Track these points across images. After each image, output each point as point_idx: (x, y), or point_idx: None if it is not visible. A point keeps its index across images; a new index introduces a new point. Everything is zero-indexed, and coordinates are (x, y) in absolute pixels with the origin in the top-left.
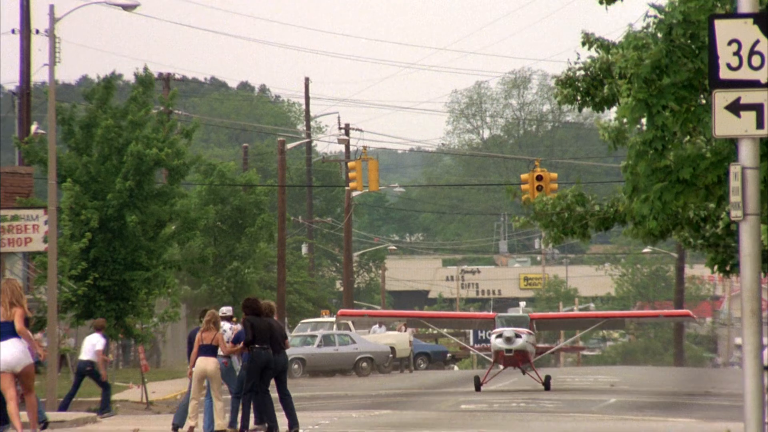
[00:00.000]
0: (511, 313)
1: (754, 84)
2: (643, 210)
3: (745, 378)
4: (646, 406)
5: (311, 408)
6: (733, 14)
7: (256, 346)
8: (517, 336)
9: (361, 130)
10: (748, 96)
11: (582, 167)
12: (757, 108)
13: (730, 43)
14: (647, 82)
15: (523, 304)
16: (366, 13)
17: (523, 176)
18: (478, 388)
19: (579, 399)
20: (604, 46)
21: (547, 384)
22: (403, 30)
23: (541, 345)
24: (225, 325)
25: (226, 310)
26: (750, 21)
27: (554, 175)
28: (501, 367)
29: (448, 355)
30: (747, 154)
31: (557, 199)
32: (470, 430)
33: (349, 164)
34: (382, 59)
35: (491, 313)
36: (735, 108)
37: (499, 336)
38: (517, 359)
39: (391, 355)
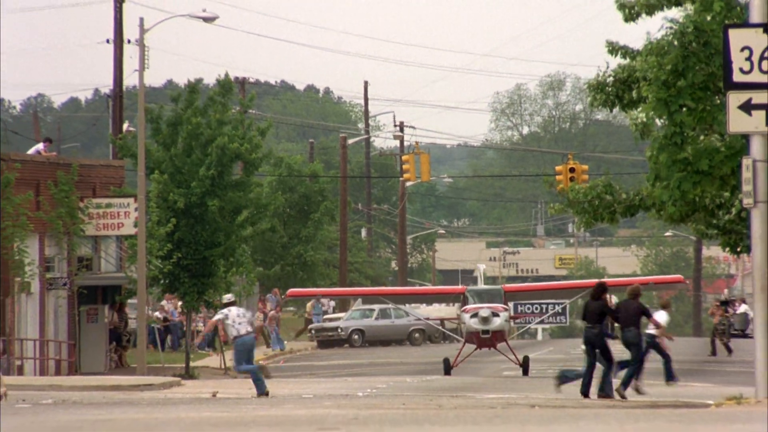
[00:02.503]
0: (484, 286)
1: (764, 86)
2: (663, 196)
3: (757, 347)
4: (655, 370)
5: (369, 374)
6: (745, 24)
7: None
8: (495, 315)
9: (413, 127)
10: (759, 97)
11: (610, 160)
12: (767, 107)
13: (742, 49)
14: (666, 84)
15: (482, 266)
16: (419, 22)
17: (558, 168)
18: (447, 372)
19: None
20: (628, 53)
21: (525, 366)
22: (452, 37)
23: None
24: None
25: (228, 297)
26: (760, 30)
27: (585, 167)
28: (474, 347)
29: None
30: (757, 148)
31: (588, 188)
32: (513, 393)
33: (403, 157)
34: (433, 64)
35: (461, 286)
36: (747, 107)
37: (475, 315)
38: (494, 340)
39: (440, 326)
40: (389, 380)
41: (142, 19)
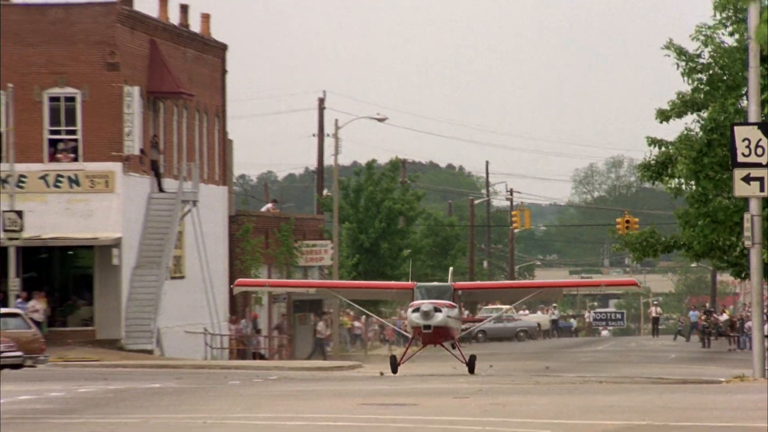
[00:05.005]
0: (434, 283)
1: (759, 165)
2: (691, 239)
3: (753, 341)
4: (685, 360)
5: (486, 360)
6: (745, 123)
7: None
8: (437, 310)
9: (519, 192)
10: (755, 172)
11: (653, 215)
12: (760, 180)
13: (743, 140)
14: (695, 160)
15: (450, 269)
16: (526, 117)
17: (618, 220)
18: (394, 370)
19: (641, 353)
20: (662, 143)
21: (471, 365)
22: (545, 128)
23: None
24: None
25: None
26: (755, 127)
27: (636, 219)
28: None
29: (572, 328)
30: (754, 207)
31: (638, 234)
32: (588, 373)
33: (512, 213)
34: (533, 148)
35: (410, 282)
36: (747, 179)
37: (417, 310)
38: (438, 336)
39: (537, 328)
40: (501, 364)
41: (336, 120)
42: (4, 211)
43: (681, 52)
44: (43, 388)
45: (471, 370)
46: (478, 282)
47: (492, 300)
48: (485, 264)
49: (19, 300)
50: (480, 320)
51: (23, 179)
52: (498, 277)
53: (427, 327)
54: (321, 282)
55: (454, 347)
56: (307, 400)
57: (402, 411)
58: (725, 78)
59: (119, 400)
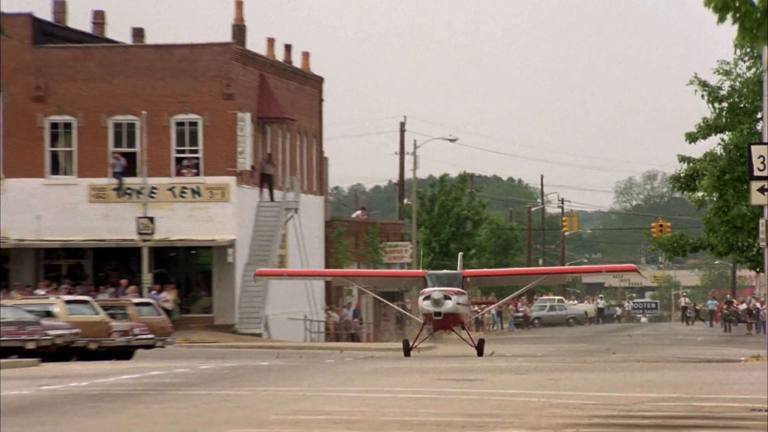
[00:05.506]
0: (444, 270)
1: None
2: (715, 242)
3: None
4: (709, 342)
5: (543, 342)
6: (761, 142)
7: None
8: (447, 298)
9: (569, 201)
10: None
11: (682, 220)
12: None
13: (759, 157)
14: (718, 177)
15: (460, 254)
16: (575, 136)
17: (653, 225)
18: (407, 353)
19: (671, 334)
20: (690, 160)
21: (480, 349)
22: (591, 146)
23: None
24: None
25: None
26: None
27: (668, 224)
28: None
29: (614, 315)
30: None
31: (670, 236)
32: (627, 352)
33: (563, 218)
34: (582, 164)
35: (421, 270)
36: (762, 190)
37: (428, 298)
38: (448, 322)
39: (585, 315)
40: (551, 347)
41: (415, 141)
42: (138, 218)
43: (705, 85)
44: (170, 365)
45: (480, 353)
46: (486, 269)
47: (501, 286)
48: (540, 262)
49: (153, 292)
50: (492, 302)
51: (154, 191)
52: None
53: (438, 314)
54: (337, 271)
55: (463, 329)
56: (391, 375)
57: (471, 385)
58: (743, 105)
59: (234, 376)
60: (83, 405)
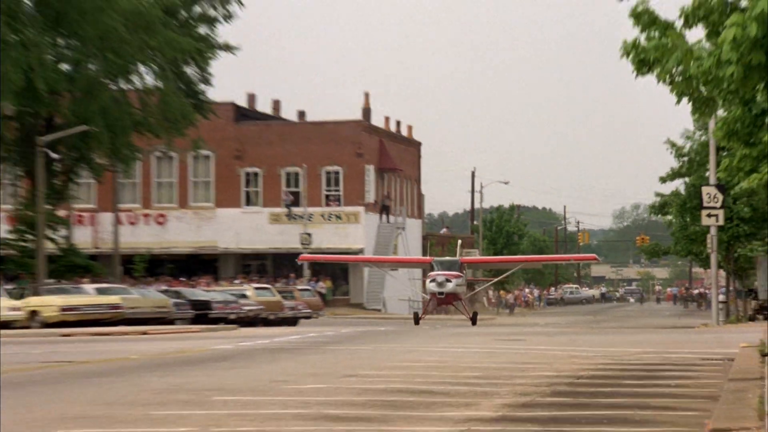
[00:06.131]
0: (446, 257)
1: (714, 207)
2: (679, 249)
3: (712, 305)
4: (673, 315)
5: (565, 315)
6: (707, 185)
7: None
8: (447, 280)
9: (582, 222)
10: (713, 212)
11: (658, 235)
12: (716, 216)
13: (707, 194)
14: (681, 207)
15: (459, 242)
16: (586, 177)
17: (637, 238)
18: (417, 322)
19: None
20: (663, 195)
21: (474, 319)
22: (595, 184)
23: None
24: None
25: None
26: (714, 187)
27: (648, 237)
28: (435, 304)
29: (613, 298)
30: (713, 230)
31: (649, 245)
32: (619, 322)
33: (579, 233)
34: (590, 197)
35: (428, 257)
36: (708, 215)
37: (433, 281)
38: (449, 299)
39: (593, 297)
40: (571, 318)
41: (481, 183)
42: (301, 233)
43: (674, 145)
44: (321, 329)
45: (474, 323)
46: (479, 257)
47: (496, 270)
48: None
49: (312, 281)
50: (488, 280)
51: (311, 216)
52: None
53: (441, 293)
54: (363, 257)
55: (462, 306)
56: (463, 337)
57: (517, 343)
58: (698, 159)
59: (362, 336)
60: (265, 355)
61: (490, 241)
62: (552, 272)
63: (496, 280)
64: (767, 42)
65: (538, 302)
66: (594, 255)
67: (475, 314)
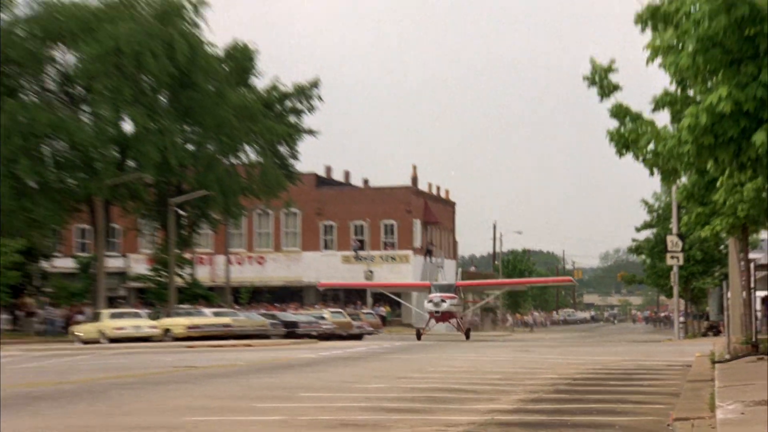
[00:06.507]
0: (442, 282)
1: (676, 251)
2: (650, 281)
3: (674, 325)
4: (645, 332)
5: (564, 332)
6: (671, 234)
7: None
8: (443, 301)
9: (575, 261)
10: (675, 255)
11: (635, 270)
12: (677, 257)
13: (670, 241)
14: (651, 250)
15: (459, 270)
16: (578, 226)
17: (618, 274)
18: (419, 338)
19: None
20: (638, 241)
21: (467, 335)
22: (585, 232)
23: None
24: None
25: None
26: (676, 236)
27: (626, 273)
28: (434, 322)
29: (600, 319)
30: (675, 269)
31: (627, 277)
32: (605, 337)
33: (574, 271)
34: (582, 243)
35: (428, 282)
36: (672, 257)
37: (430, 301)
38: (445, 317)
39: (586, 319)
40: (568, 334)
41: (501, 234)
42: (365, 271)
43: (647, 204)
44: (391, 344)
45: (467, 338)
46: (472, 281)
47: (488, 292)
48: (562, 293)
49: (375, 306)
50: (477, 302)
51: (373, 258)
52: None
53: (437, 312)
54: (374, 282)
55: (457, 323)
56: (489, 348)
57: (528, 353)
58: (664, 214)
59: (411, 348)
60: (338, 362)
61: (507, 277)
62: (554, 299)
63: (486, 300)
64: (714, 128)
65: (545, 323)
66: (570, 278)
67: (468, 330)
